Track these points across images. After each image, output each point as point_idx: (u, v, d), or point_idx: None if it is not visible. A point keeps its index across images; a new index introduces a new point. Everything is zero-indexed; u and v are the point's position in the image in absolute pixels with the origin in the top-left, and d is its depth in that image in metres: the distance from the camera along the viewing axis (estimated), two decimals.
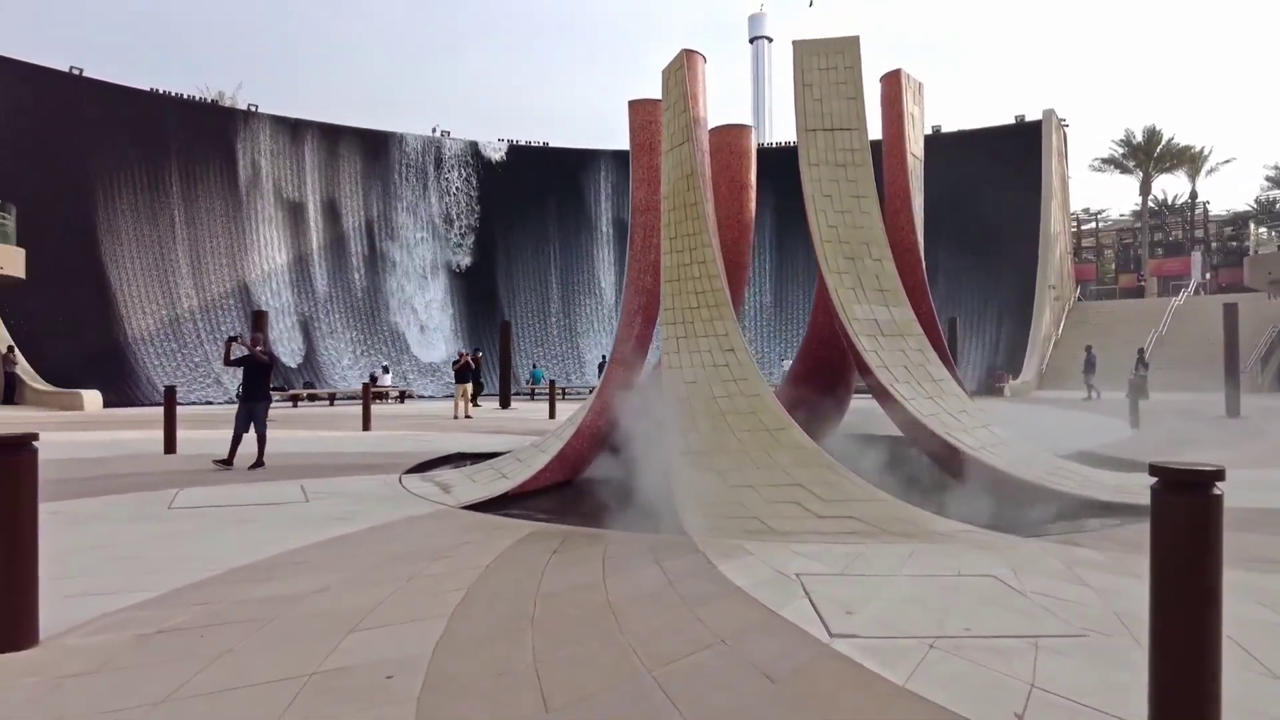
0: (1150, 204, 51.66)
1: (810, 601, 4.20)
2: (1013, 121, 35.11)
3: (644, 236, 10.64)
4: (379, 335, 34.02)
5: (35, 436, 3.68)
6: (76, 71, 29.19)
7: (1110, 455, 11.02)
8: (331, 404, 23.49)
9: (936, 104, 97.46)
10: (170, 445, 11.26)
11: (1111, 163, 49.55)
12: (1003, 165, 33.48)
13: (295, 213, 33.71)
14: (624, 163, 35.73)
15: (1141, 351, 25.19)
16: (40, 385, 21.48)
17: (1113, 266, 55.14)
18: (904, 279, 10.13)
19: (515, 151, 38.89)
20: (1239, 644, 3.47)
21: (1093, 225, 57.77)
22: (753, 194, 11.15)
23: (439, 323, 35.74)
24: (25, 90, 26.95)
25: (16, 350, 22.07)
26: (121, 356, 26.38)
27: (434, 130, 38.37)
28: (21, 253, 21.53)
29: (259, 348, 10.64)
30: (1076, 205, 50.55)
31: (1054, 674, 3.15)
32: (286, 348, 31.45)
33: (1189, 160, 48.76)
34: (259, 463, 10.03)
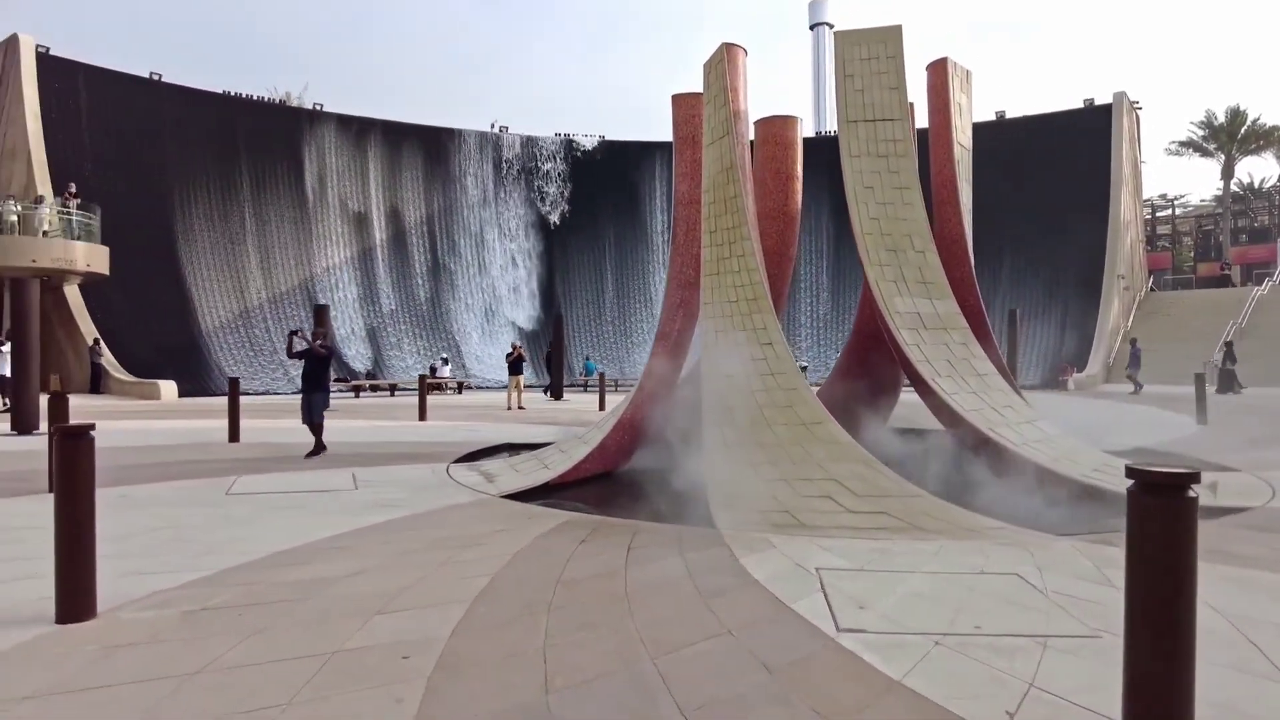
0: (1234, 188, 49.05)
1: (825, 595, 4.24)
2: (1081, 105, 33.77)
3: (686, 230, 10.68)
4: (441, 328, 34.82)
5: (92, 426, 3.98)
6: (156, 77, 30.60)
7: (1170, 452, 10.63)
8: (392, 394, 24.21)
9: (1001, 89, 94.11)
10: (234, 434, 11.83)
11: (1190, 146, 47.22)
12: (1070, 151, 32.25)
13: (360, 208, 34.70)
14: None
15: (1230, 345, 24.05)
16: (122, 376, 22.73)
17: (1191, 255, 52.53)
18: (951, 271, 9.97)
19: (569, 145, 39.21)
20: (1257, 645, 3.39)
21: (1169, 212, 55.11)
22: (799, 185, 11.08)
23: (501, 313, 36.38)
24: (109, 97, 28.40)
25: (102, 343, 23.38)
26: (195, 348, 27.65)
27: (492, 126, 38.98)
28: (105, 251, 22.77)
29: (319, 341, 11.13)
30: (1151, 191, 48.36)
31: (1055, 673, 3.13)
32: (349, 339, 32.48)
33: (1277, 141, 46.07)
34: (316, 450, 10.47)
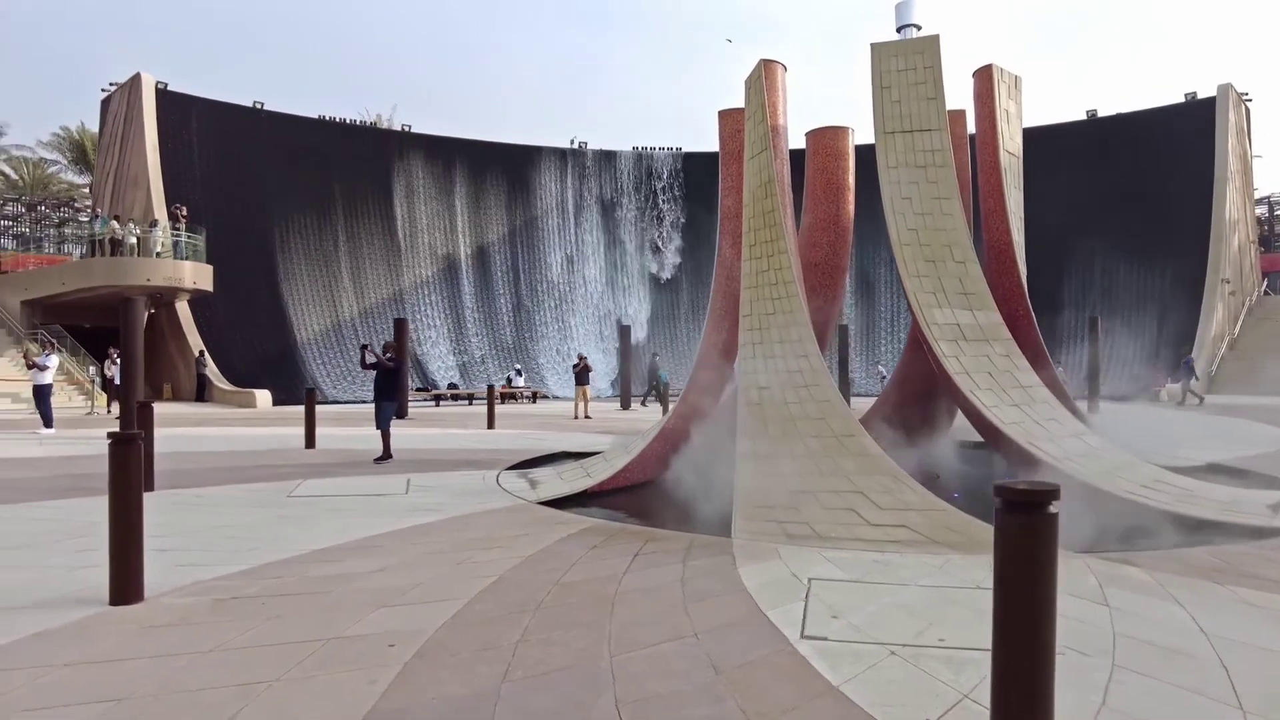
0: None
1: (805, 604, 4.35)
2: (1182, 100, 31.89)
3: (731, 243, 10.82)
4: (521, 340, 35.86)
5: (141, 435, 4.51)
6: (259, 105, 32.88)
7: (1246, 469, 10.04)
8: (470, 403, 25.12)
9: (1091, 87, 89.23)
10: (310, 441, 12.67)
11: None
12: (1170, 148, 30.50)
13: (446, 223, 36.18)
14: None
15: None
16: (224, 385, 24.49)
17: None
18: (999, 280, 9.80)
19: (643, 158, 39.73)
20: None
21: None
22: (851, 196, 11.05)
23: (576, 325, 37.17)
24: (217, 126, 30.70)
25: (207, 354, 25.25)
26: (291, 359, 29.47)
27: (571, 141, 39.93)
28: (209, 269, 24.62)
29: (387, 355, 11.91)
30: (1269, 188, 44.93)
31: (906, 675, 3.19)
32: (432, 351, 33.88)
33: None
34: (384, 455, 11.12)
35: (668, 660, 3.50)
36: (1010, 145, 9.80)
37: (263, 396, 23.06)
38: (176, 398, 25.85)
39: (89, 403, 21.54)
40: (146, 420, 8.28)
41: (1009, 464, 8.40)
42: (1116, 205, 30.37)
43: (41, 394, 13.48)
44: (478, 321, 35.40)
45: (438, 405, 24.86)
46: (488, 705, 3.06)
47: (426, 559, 5.50)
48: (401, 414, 19.48)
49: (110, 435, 4.50)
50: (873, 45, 9.03)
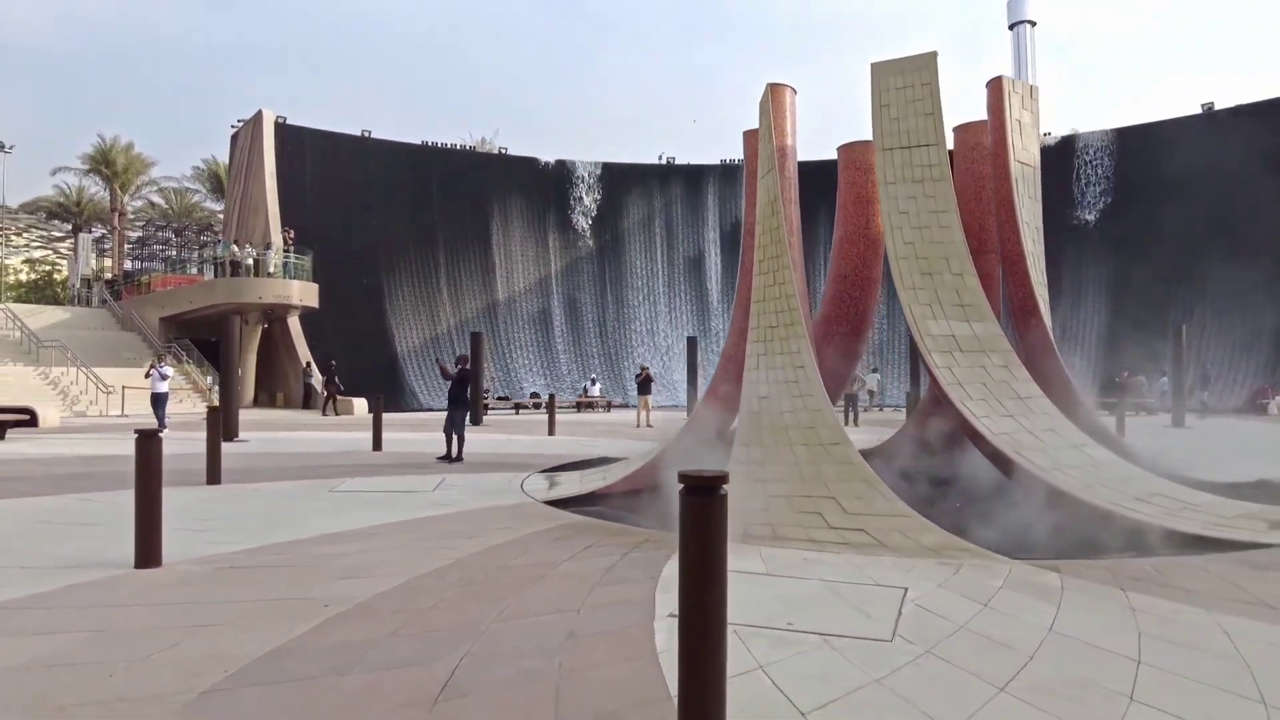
0: None
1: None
2: None
3: (753, 259, 11.25)
4: (607, 349, 36.98)
5: (157, 432, 5.51)
6: (367, 134, 35.54)
7: None
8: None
9: (1208, 77, 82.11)
10: (377, 444, 13.92)
11: None
12: None
13: (537, 238, 37.83)
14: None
15: None
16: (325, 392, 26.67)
17: None
18: (1014, 290, 9.80)
19: (728, 170, 40.12)
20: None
21: None
22: (880, 208, 11.26)
23: (660, 339, 37.93)
24: (328, 154, 33.46)
25: (313, 365, 27.58)
26: (391, 370, 31.64)
27: (660, 157, 40.84)
28: (315, 287, 26.94)
29: (460, 367, 13.11)
30: None
31: (795, 664, 3.60)
32: (523, 361, 35.47)
33: None
34: (457, 457, 12.20)
35: (537, 627, 4.10)
36: (1023, 155, 9.78)
37: (360, 404, 24.99)
38: (287, 405, 28.32)
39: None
40: (214, 423, 9.53)
41: (1005, 473, 8.45)
42: (1229, 207, 28.32)
43: (158, 400, 15.45)
44: (565, 335, 36.77)
45: (517, 413, 26.16)
46: (366, 649, 3.76)
47: (409, 544, 6.29)
48: (475, 420, 20.77)
49: (136, 432, 5.53)
50: (873, 65, 9.29)
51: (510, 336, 35.84)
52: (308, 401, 26.73)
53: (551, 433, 17.66)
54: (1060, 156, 34.03)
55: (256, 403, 28.45)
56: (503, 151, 39.69)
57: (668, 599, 4.62)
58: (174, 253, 47.43)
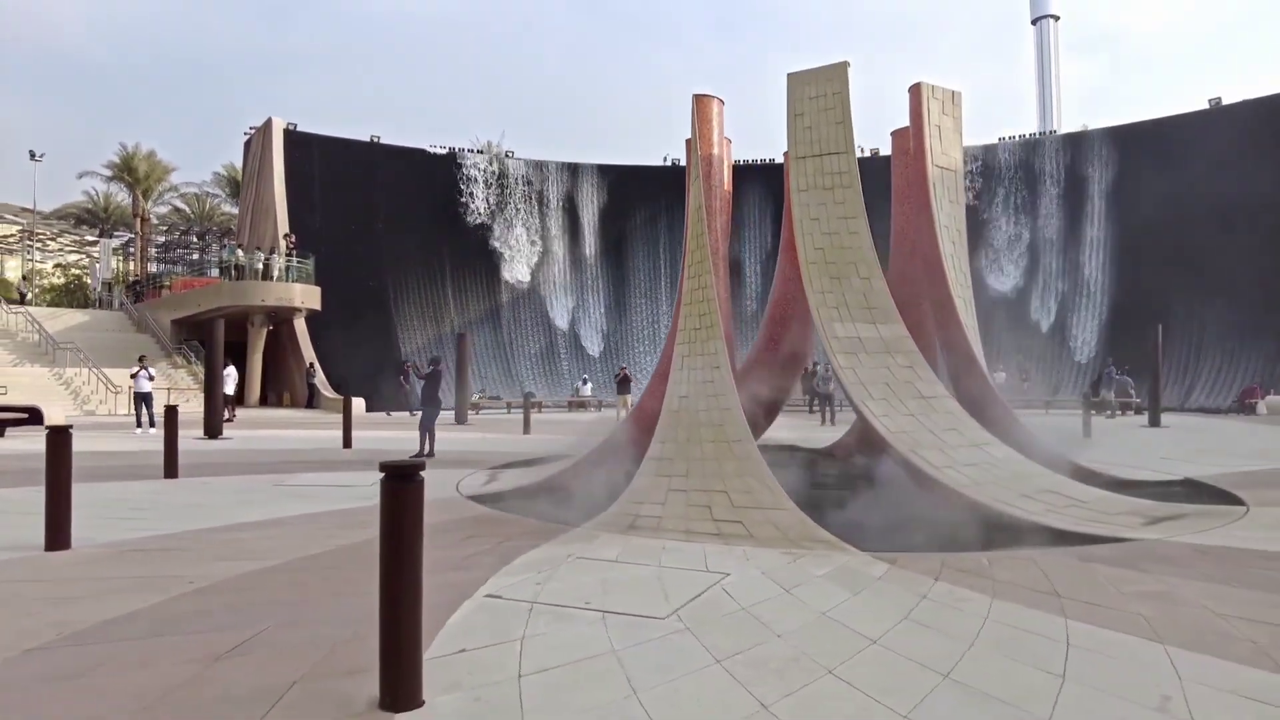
0: None
1: (532, 573, 5.27)
2: None
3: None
4: (609, 349, 37.46)
5: (70, 427, 6.07)
6: (376, 139, 36.39)
7: (1215, 486, 9.69)
8: (540, 411, 26.80)
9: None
10: (347, 441, 14.51)
11: None
12: None
13: (541, 241, 38.43)
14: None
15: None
16: (329, 393, 27.48)
17: None
18: (931, 291, 10.08)
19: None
20: None
21: None
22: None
23: (661, 339, 38.33)
24: (336, 160, 34.34)
25: (316, 365, 28.41)
26: (398, 370, 32.37)
27: (665, 159, 41.17)
28: (318, 290, 27.77)
29: (432, 367, 13.87)
30: None
31: (556, 636, 4.01)
32: (526, 361, 36.11)
33: None
34: (429, 454, 12.77)
35: (359, 603, 4.52)
36: (942, 160, 10.05)
37: (358, 404, 25.69)
38: (294, 404, 29.19)
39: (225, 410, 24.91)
40: (172, 421, 10.16)
41: (905, 471, 8.74)
42: (1231, 201, 27.95)
43: (144, 399, 16.27)
44: (567, 336, 37.33)
45: (508, 411, 26.73)
46: (194, 618, 4.25)
47: (307, 533, 6.79)
48: (460, 419, 21.39)
49: (49, 428, 6.09)
50: (789, 75, 9.63)
51: (514, 338, 36.48)
52: (312, 401, 27.56)
53: (526, 431, 18.15)
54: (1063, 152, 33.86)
55: (265, 402, 29.37)
56: (509, 155, 40.36)
57: (498, 582, 5.06)
58: (196, 256, 49.01)
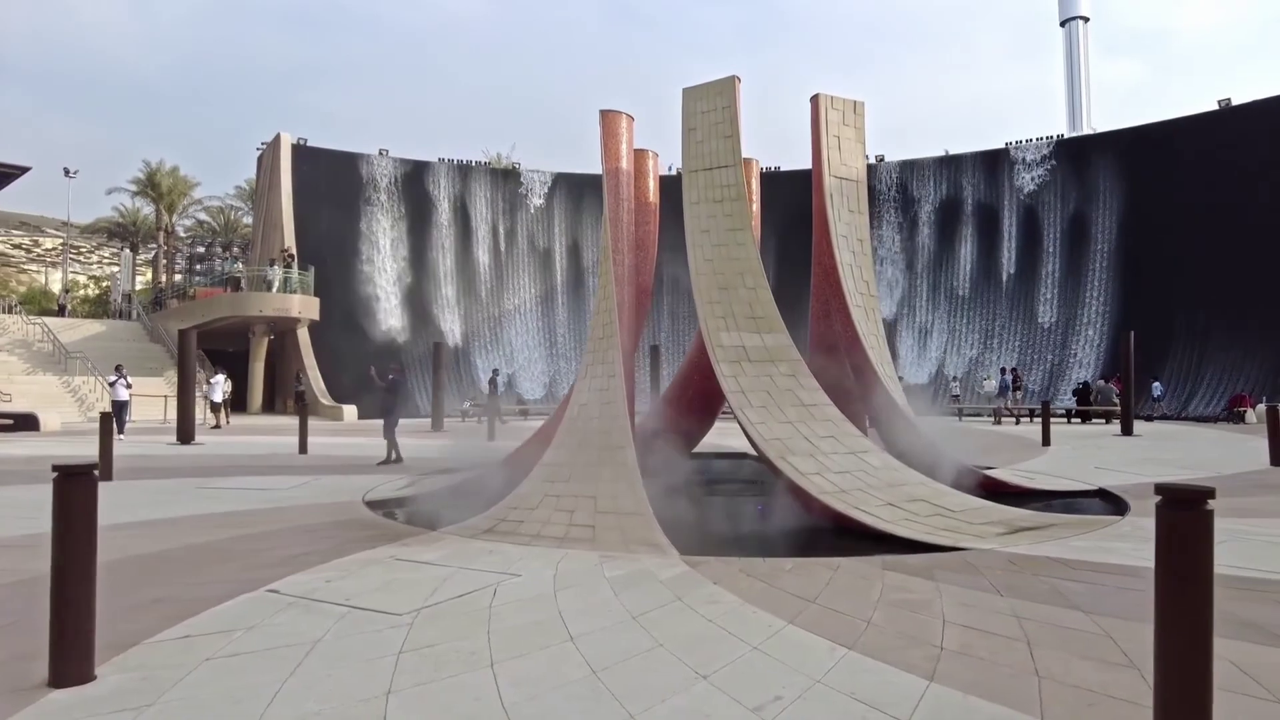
0: None
1: (339, 573, 5.56)
2: None
3: None
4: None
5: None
6: (384, 152, 37.29)
7: (1119, 495, 9.62)
8: (525, 418, 27.23)
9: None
10: (303, 448, 15.02)
11: None
12: None
13: (544, 255, 38.97)
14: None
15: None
16: (327, 401, 28.24)
17: None
18: (830, 299, 10.18)
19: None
20: None
21: None
22: (755, 223, 11.68)
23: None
24: (343, 173, 35.27)
25: (304, 374, 29.15)
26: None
27: (670, 169, 41.44)
28: (316, 301, 28.59)
29: (391, 376, 14.33)
30: None
31: (289, 624, 4.34)
32: (529, 368, 36.63)
33: None
34: (396, 459, 13.20)
35: (142, 592, 4.90)
36: (840, 170, 10.15)
37: (349, 411, 26.42)
38: (295, 411, 30.02)
39: (214, 416, 25.74)
40: (107, 427, 10.70)
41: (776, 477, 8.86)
42: (1237, 206, 27.24)
43: (119, 406, 17.04)
44: (567, 341, 37.77)
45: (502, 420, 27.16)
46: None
47: (191, 530, 7.20)
48: (437, 426, 21.85)
49: None
50: (683, 90, 9.85)
51: (517, 345, 37.02)
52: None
53: (491, 439, 18.52)
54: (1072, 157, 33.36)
55: (268, 409, 30.25)
56: (516, 166, 41.04)
57: (296, 578, 5.37)
58: (219, 267, 50.64)
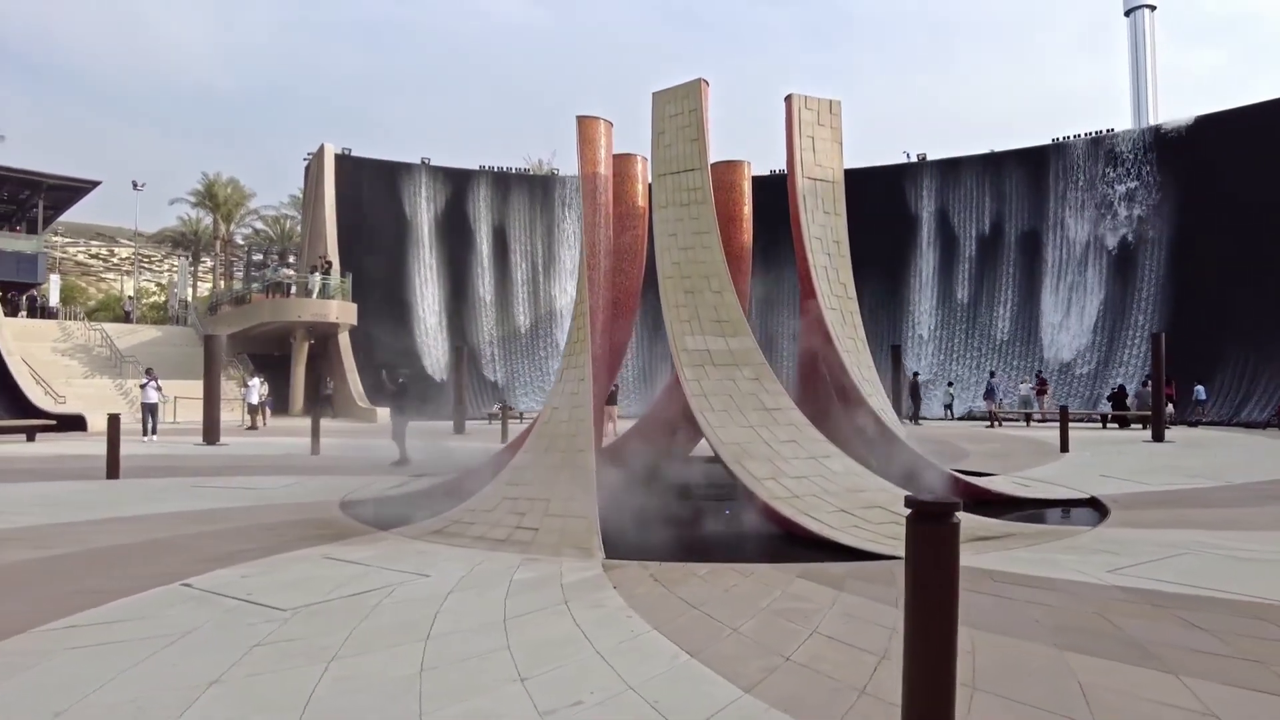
0: None
1: (262, 569, 5.78)
2: None
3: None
4: (640, 362, 37.87)
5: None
6: (426, 161, 38.18)
7: (1106, 504, 9.26)
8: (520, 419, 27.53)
9: None
10: (315, 448, 15.49)
11: None
12: None
13: (576, 264, 39.29)
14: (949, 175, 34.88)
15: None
16: (363, 404, 29.02)
17: None
18: (807, 303, 10.08)
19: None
20: None
21: None
22: (745, 224, 11.65)
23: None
24: (383, 182, 36.23)
25: (329, 379, 30.00)
26: (419, 381, 33.75)
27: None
28: (354, 306, 29.44)
29: (400, 380, 14.79)
30: None
31: (181, 616, 4.55)
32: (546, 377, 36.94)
33: None
34: (404, 460, 13.61)
35: (83, 581, 5.19)
36: (814, 171, 10.03)
37: (382, 413, 27.07)
38: (335, 415, 30.93)
39: (250, 418, 26.71)
40: (113, 428, 11.26)
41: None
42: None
43: (149, 409, 17.87)
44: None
45: (520, 419, 27.48)
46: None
47: (159, 525, 7.54)
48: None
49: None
50: (653, 94, 9.87)
51: (548, 353, 37.38)
52: (325, 411, 29.11)
53: (504, 440, 18.77)
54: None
55: (310, 412, 31.20)
56: (555, 173, 41.56)
57: (218, 573, 5.60)
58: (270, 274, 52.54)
